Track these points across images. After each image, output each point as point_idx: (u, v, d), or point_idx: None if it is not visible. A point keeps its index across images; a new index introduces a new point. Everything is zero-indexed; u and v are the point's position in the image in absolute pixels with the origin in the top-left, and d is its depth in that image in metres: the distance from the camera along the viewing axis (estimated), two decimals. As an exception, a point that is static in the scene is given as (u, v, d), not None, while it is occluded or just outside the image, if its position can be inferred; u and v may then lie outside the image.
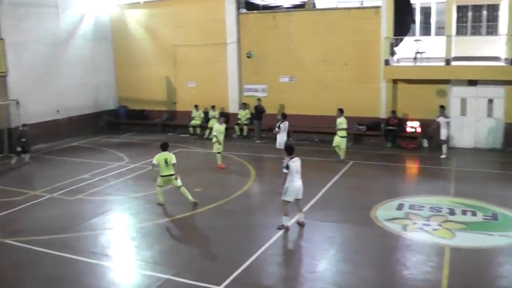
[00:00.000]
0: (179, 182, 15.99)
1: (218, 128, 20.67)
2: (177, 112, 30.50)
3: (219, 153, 20.71)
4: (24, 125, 22.87)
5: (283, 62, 26.85)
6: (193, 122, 28.40)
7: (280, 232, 13.48)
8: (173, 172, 15.79)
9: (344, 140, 21.33)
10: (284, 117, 21.88)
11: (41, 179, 19.88)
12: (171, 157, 15.85)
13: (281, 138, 21.36)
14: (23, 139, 22.24)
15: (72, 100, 29.16)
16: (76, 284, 11.07)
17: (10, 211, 16.20)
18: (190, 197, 16.01)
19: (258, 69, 27.45)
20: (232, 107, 28.40)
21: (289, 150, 13.69)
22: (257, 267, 11.57)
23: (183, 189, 16.04)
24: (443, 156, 21.89)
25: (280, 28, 26.62)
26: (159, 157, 15.78)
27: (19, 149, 22.29)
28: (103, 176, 20.08)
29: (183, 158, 23.09)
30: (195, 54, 29.00)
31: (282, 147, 20.41)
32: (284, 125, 21.59)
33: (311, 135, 26.28)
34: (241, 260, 11.77)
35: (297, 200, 13.78)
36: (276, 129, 21.59)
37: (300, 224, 13.87)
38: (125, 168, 21.23)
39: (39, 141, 26.41)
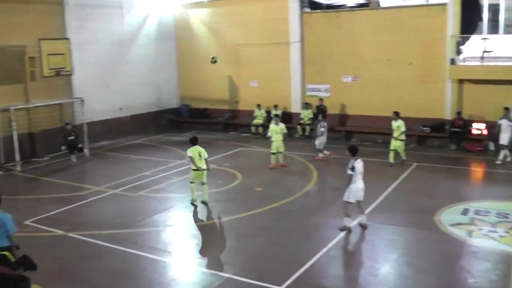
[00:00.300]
0: (204, 179, 16.17)
1: (273, 128, 20.65)
2: (239, 111, 30.56)
3: (273, 153, 20.65)
4: (67, 123, 23.34)
5: (346, 62, 26.54)
6: (255, 122, 28.40)
7: (342, 234, 13.37)
8: (205, 167, 15.98)
9: (403, 143, 20.89)
10: (325, 117, 22.50)
11: (104, 175, 20.24)
12: (204, 151, 16.13)
13: (324, 138, 21.87)
14: (71, 137, 22.65)
15: (135, 99, 29.64)
16: (138, 279, 11.26)
17: (74, 205, 16.59)
18: (207, 197, 16.25)
19: (321, 69, 27.23)
20: (295, 107, 28.25)
21: (354, 151, 13.51)
22: (318, 268, 11.50)
23: (205, 187, 16.25)
24: (498, 162, 20.85)
25: (343, 28, 26.32)
26: (192, 151, 16.02)
27: (63, 148, 22.82)
28: (165, 174, 20.30)
29: (244, 157, 23.24)
30: (258, 53, 28.99)
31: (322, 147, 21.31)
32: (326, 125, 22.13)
33: (373, 136, 25.84)
34: (303, 260, 11.71)
35: (358, 201, 13.63)
36: (322, 129, 21.78)
37: (363, 226, 13.71)
38: (187, 166, 21.23)
39: (102, 138, 27.09)
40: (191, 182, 16.30)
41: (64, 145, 22.75)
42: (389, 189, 17.40)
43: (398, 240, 13.10)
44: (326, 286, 10.66)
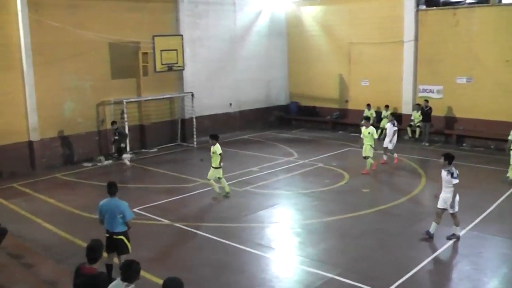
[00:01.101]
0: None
1: (363, 131, 19.95)
2: (348, 110, 30.11)
3: (364, 157, 19.78)
4: (113, 122, 21.82)
5: (461, 62, 25.35)
6: (368, 114, 27.75)
7: (449, 243, 12.81)
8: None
9: None
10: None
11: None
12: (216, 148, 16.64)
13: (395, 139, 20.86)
14: (115, 137, 21.47)
15: (245, 95, 29.97)
16: (240, 273, 11.34)
17: (181, 196, 16.94)
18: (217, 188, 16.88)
19: (434, 69, 26.26)
20: (405, 108, 27.43)
21: (451, 158, 12.76)
22: (423, 277, 11.12)
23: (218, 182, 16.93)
24: None
25: (460, 26, 25.18)
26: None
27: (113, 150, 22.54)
28: (272, 170, 20.31)
29: (352, 157, 22.86)
30: (370, 52, 28.44)
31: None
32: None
33: (486, 141, 24.62)
34: (408, 267, 11.35)
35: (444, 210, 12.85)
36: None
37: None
38: (294, 164, 21.27)
39: (210, 133, 27.22)
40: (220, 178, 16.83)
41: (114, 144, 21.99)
42: (501, 199, 16.40)
43: (509, 254, 12.36)
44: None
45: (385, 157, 21.09)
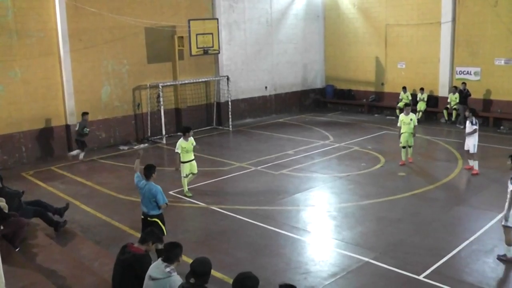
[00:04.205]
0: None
1: (402, 118, 18.42)
2: (384, 93, 29.88)
3: (403, 147, 18.51)
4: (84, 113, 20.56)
5: (500, 44, 24.84)
6: (400, 104, 27.49)
7: (486, 227, 12.64)
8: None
9: None
10: (473, 112, 17.62)
11: (247, 152, 20.55)
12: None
13: (475, 140, 17.33)
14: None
15: (281, 78, 29.98)
16: (276, 256, 11.36)
17: (217, 179, 17.05)
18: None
19: (472, 51, 25.81)
20: (442, 91, 27.06)
21: None
22: (459, 262, 10.99)
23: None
24: None
25: (500, 6, 24.63)
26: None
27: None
28: (307, 153, 20.26)
29: (388, 140, 22.65)
30: (407, 34, 28.09)
31: (475, 151, 17.35)
32: (477, 122, 17.51)
33: (525, 125, 24.23)
34: (443, 251, 11.27)
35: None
36: (474, 126, 17.22)
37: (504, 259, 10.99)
38: (330, 147, 21.18)
39: (247, 116, 28.02)
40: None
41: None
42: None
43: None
44: (466, 281, 10.12)
45: (471, 163, 17.66)
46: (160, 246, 7.75)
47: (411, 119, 18.31)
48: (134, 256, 7.52)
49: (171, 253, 6.94)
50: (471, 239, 11.96)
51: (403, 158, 18.61)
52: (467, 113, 17.86)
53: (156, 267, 6.94)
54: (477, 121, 17.44)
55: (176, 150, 15.17)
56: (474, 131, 17.23)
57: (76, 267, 9.52)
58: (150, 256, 7.74)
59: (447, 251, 11.23)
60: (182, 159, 15.17)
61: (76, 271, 9.32)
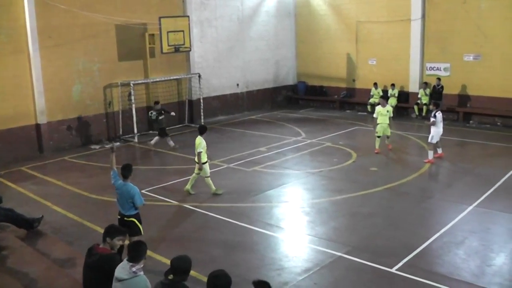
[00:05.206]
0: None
1: (379, 110, 19.44)
2: (356, 89, 30.07)
3: (378, 136, 19.45)
4: (156, 102, 21.81)
5: (469, 40, 25.19)
6: (371, 100, 27.82)
7: (457, 219, 12.84)
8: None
9: None
10: (437, 106, 18.40)
11: (220, 149, 20.47)
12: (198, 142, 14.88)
13: (437, 131, 18.09)
14: (160, 117, 21.01)
15: (253, 75, 30.00)
16: (250, 253, 11.39)
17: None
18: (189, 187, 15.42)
19: (441, 47, 26.13)
20: (412, 87, 27.35)
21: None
22: (431, 254, 11.12)
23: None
24: None
25: (469, 3, 24.94)
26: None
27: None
28: (280, 150, 20.34)
29: (360, 136, 22.88)
30: (378, 31, 28.31)
31: (436, 141, 18.18)
32: (440, 114, 18.15)
33: (493, 118, 24.68)
34: (415, 244, 11.41)
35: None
36: (432, 119, 18.00)
37: None
38: (303, 143, 21.27)
39: (219, 114, 27.86)
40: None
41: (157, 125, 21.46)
42: (507, 175, 16.31)
43: (517, 229, 12.43)
44: (438, 272, 10.24)
45: (439, 150, 18.56)
46: (124, 239, 7.65)
47: (387, 111, 19.29)
48: (102, 257, 7.32)
49: (135, 252, 6.73)
50: (442, 231, 12.11)
51: (377, 146, 19.46)
52: (431, 106, 18.66)
53: (122, 268, 6.74)
54: (436, 114, 18.01)
55: (200, 150, 14.63)
56: (432, 123, 17.96)
57: (47, 269, 9.40)
58: (118, 255, 7.63)
59: (419, 244, 11.36)
60: (202, 160, 14.85)
61: (48, 273, 9.20)
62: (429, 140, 18.11)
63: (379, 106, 19.65)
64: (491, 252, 11.08)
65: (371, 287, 9.78)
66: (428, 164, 17.85)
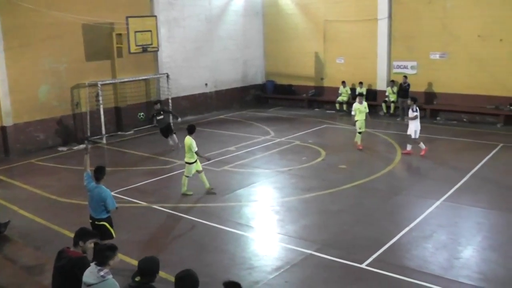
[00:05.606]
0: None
1: (357, 107, 19.72)
2: (324, 88, 30.28)
3: (359, 132, 19.76)
4: (156, 102, 21.87)
5: (435, 38, 25.59)
6: (340, 99, 28.06)
7: (426, 214, 13.01)
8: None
9: None
10: (415, 101, 19.01)
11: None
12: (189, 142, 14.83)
13: (416, 126, 18.50)
14: (159, 117, 20.75)
15: (222, 74, 29.98)
16: (220, 252, 11.35)
17: (158, 178, 16.96)
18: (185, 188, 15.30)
19: (408, 46, 26.46)
20: (380, 84, 27.64)
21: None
22: (400, 248, 11.25)
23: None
24: None
25: (435, 2, 25.30)
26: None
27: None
28: (249, 149, 20.37)
29: (328, 134, 23.04)
30: (345, 30, 28.53)
31: (417, 136, 18.60)
32: (418, 109, 18.79)
33: (459, 114, 25.11)
34: (385, 240, 11.52)
35: None
36: (415, 113, 18.50)
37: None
38: (272, 142, 21.32)
39: (188, 113, 27.69)
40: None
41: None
42: (474, 169, 16.69)
43: (483, 223, 12.59)
44: (407, 266, 10.37)
45: (409, 147, 18.95)
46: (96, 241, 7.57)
47: (365, 107, 19.73)
48: (71, 260, 7.16)
49: (101, 255, 6.63)
50: (411, 226, 12.26)
51: (359, 142, 19.76)
52: (409, 102, 19.10)
53: (90, 272, 6.61)
54: (417, 108, 18.65)
55: (196, 149, 14.65)
56: (415, 117, 18.35)
57: (15, 275, 9.27)
58: (87, 258, 7.48)
59: (388, 239, 11.48)
60: (192, 159, 14.86)
61: (16, 280, 9.05)
62: (414, 136, 18.45)
63: (357, 103, 19.80)
64: (459, 246, 11.27)
65: (342, 284, 9.85)
66: (398, 160, 18.16)
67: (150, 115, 21.63)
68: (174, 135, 20.55)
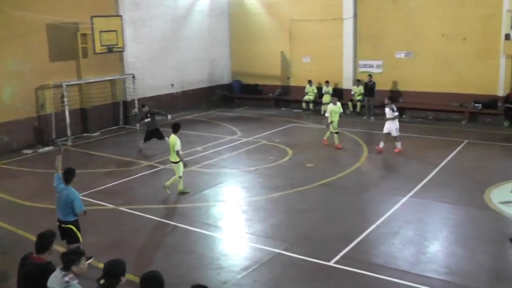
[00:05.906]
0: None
1: (332, 108, 19.85)
2: (290, 87, 30.43)
3: (336, 133, 19.95)
4: (144, 105, 21.70)
5: (400, 38, 25.97)
6: (306, 98, 28.22)
7: (392, 210, 13.19)
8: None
9: None
10: (393, 100, 19.65)
11: (156, 150, 20.31)
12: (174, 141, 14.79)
13: (396, 125, 18.90)
14: (147, 120, 20.78)
15: (188, 74, 29.87)
16: (189, 253, 11.31)
17: (125, 180, 16.83)
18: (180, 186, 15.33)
19: (373, 45, 26.79)
20: (346, 83, 27.90)
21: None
22: (368, 245, 11.37)
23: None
24: None
25: (399, 2, 25.64)
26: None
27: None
28: (216, 149, 20.36)
29: (295, 133, 23.14)
30: (311, 29, 28.71)
31: (398, 133, 18.90)
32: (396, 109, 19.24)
33: (425, 112, 25.54)
34: (352, 237, 11.63)
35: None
36: (395, 113, 18.94)
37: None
38: (238, 142, 21.35)
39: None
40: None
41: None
42: (440, 166, 17.03)
43: (449, 218, 12.84)
44: (374, 263, 10.48)
45: (381, 144, 19.09)
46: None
47: (339, 107, 20.07)
48: (36, 266, 6.96)
49: (65, 260, 6.50)
50: (378, 222, 12.40)
51: (337, 141, 19.92)
52: (386, 101, 19.27)
53: (54, 277, 6.49)
54: (395, 107, 19.15)
55: (178, 148, 14.54)
56: (396, 117, 18.86)
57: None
58: (53, 263, 7.34)
59: (355, 236, 11.59)
60: (177, 159, 14.80)
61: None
62: (394, 134, 18.78)
63: (331, 105, 19.95)
64: (425, 241, 11.46)
65: (310, 282, 9.88)
66: (365, 158, 18.42)
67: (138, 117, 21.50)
68: (167, 139, 20.37)
